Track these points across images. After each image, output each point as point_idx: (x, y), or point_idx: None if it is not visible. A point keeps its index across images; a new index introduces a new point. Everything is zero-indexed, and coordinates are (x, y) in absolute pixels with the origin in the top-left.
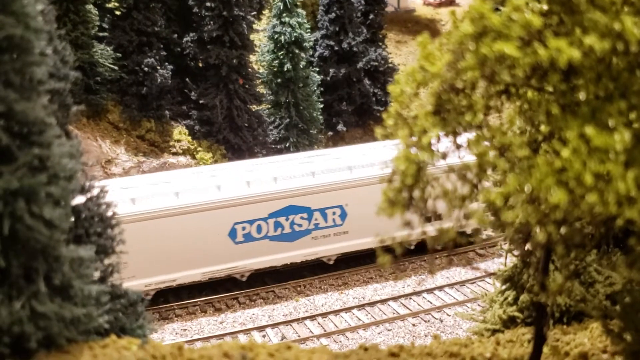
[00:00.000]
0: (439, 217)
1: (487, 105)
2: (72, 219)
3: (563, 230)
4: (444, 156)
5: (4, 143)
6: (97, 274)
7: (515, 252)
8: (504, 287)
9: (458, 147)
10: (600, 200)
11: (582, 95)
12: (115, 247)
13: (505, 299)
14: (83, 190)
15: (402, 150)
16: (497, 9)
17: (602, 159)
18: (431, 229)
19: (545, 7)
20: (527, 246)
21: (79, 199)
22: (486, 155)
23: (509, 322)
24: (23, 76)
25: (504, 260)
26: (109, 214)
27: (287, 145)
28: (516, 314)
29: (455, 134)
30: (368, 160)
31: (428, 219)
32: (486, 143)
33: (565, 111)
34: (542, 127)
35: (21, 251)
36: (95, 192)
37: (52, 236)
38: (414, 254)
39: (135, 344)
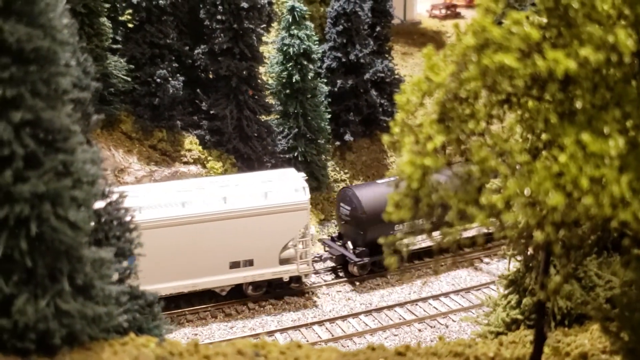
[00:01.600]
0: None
1: (489, 113)
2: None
3: (561, 232)
4: (448, 163)
5: (31, 149)
6: (115, 276)
7: (518, 257)
8: (507, 291)
9: (462, 153)
10: (596, 202)
11: (578, 104)
12: (133, 250)
13: (509, 302)
14: (103, 195)
15: (407, 155)
16: (499, 23)
17: (598, 164)
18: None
19: (544, 20)
20: (529, 250)
21: (99, 204)
22: (488, 160)
23: (512, 325)
24: (49, 86)
25: (507, 265)
26: (128, 218)
27: (295, 154)
28: (519, 316)
29: (458, 141)
30: (155, 201)
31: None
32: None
33: (563, 119)
34: (543, 135)
35: (46, 252)
36: (114, 197)
37: (76, 238)
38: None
39: (153, 342)
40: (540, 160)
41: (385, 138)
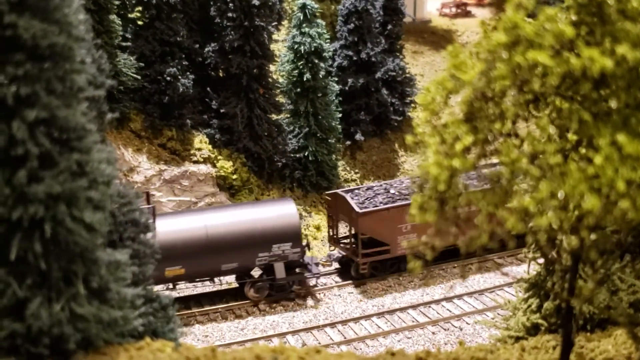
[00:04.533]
0: None
1: (516, 113)
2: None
3: (594, 236)
4: (475, 164)
5: (46, 148)
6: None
7: (540, 260)
8: (527, 294)
9: (485, 155)
10: (633, 206)
11: (613, 104)
12: (148, 252)
13: (529, 306)
14: (118, 195)
15: (433, 157)
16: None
17: (634, 166)
18: None
19: (573, 17)
20: (554, 253)
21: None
22: (519, 162)
23: (533, 330)
24: (64, 83)
25: (525, 268)
26: (143, 219)
27: (305, 154)
28: (540, 321)
29: (486, 141)
30: None
31: None
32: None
33: (597, 119)
34: (570, 135)
35: (61, 254)
36: (129, 197)
37: (91, 240)
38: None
39: (169, 347)
40: (572, 161)
41: (409, 138)
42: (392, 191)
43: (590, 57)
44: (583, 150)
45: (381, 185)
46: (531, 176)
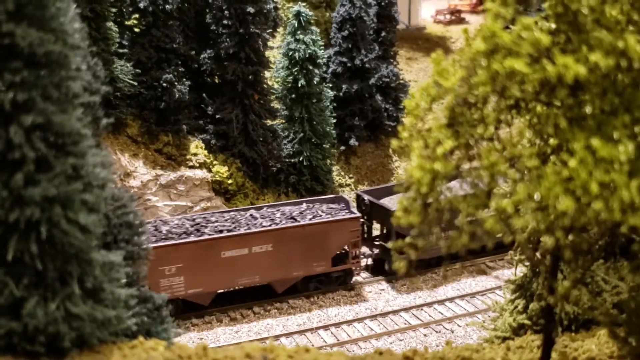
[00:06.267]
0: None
1: (497, 118)
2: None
3: (570, 237)
4: (457, 167)
5: (42, 153)
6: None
7: (526, 262)
8: (514, 295)
9: (470, 158)
10: (606, 207)
11: (588, 109)
12: (142, 254)
13: (515, 307)
14: (113, 198)
15: (417, 160)
16: (506, 27)
17: (607, 169)
18: None
19: (553, 25)
20: (537, 254)
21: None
22: (498, 165)
23: (519, 330)
24: (60, 90)
25: (513, 270)
26: (137, 221)
27: (300, 159)
28: (526, 321)
29: (467, 145)
30: None
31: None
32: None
33: (573, 124)
34: (551, 140)
35: (57, 255)
36: (123, 200)
37: (86, 241)
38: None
39: (162, 345)
40: (549, 165)
41: (394, 143)
42: (162, 229)
43: (564, 65)
44: (564, 155)
45: (154, 222)
46: (510, 179)
